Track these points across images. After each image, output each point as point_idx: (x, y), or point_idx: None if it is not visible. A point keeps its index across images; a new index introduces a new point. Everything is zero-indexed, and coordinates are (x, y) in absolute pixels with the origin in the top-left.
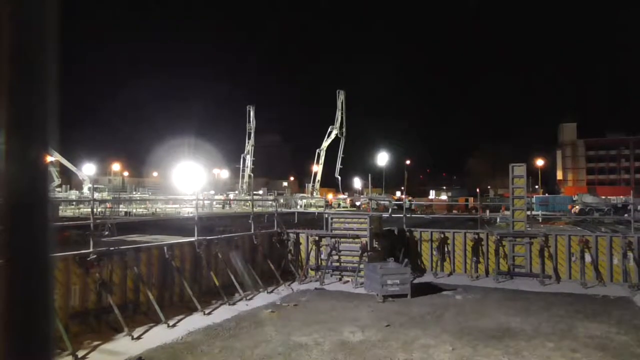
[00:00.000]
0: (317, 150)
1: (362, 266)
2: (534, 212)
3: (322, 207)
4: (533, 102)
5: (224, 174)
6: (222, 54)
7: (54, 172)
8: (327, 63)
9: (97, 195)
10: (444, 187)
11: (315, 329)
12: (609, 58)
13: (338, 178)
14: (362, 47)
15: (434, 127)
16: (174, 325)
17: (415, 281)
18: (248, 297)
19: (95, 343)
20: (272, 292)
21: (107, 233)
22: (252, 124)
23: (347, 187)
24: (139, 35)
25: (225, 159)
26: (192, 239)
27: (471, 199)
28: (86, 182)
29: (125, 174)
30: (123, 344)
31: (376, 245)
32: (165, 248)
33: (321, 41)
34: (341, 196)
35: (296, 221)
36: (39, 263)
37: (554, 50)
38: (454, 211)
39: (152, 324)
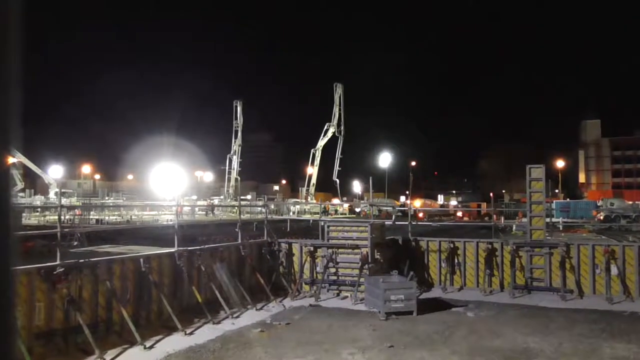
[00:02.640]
0: (312, 150)
1: (362, 280)
2: (553, 219)
3: (317, 213)
4: (553, 97)
5: (208, 176)
6: (206, 43)
7: (16, 175)
8: (324, 54)
9: (65, 201)
10: (454, 192)
11: (309, 351)
12: (637, 48)
13: (336, 181)
14: (362, 37)
15: (442, 125)
16: (151, 347)
17: (422, 296)
18: (234, 315)
19: None
20: (261, 309)
21: (76, 243)
22: (239, 120)
23: (345, 191)
24: (112, 23)
25: (209, 160)
26: (172, 249)
27: (484, 205)
28: (53, 186)
29: (97, 177)
30: None
31: (378, 257)
32: (141, 260)
33: (318, 30)
34: (336, 201)
35: (289, 229)
36: None
37: (576, 40)
38: (465, 218)
39: (126, 346)
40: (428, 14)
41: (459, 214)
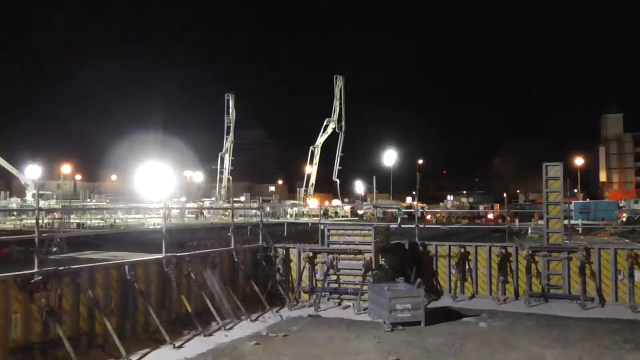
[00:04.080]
0: (311, 148)
1: (365, 288)
2: (572, 221)
3: (316, 216)
4: (571, 91)
5: (198, 176)
6: (195, 32)
7: None
8: (324, 44)
9: (43, 204)
10: (464, 192)
11: None
12: None
13: (336, 181)
14: (365, 26)
15: (452, 120)
16: None
17: (430, 305)
18: (227, 327)
19: None
20: (256, 320)
21: (55, 249)
22: (231, 116)
23: (347, 192)
24: (94, 12)
25: (199, 158)
26: (159, 256)
27: (497, 206)
28: (30, 188)
29: (78, 177)
30: None
31: (382, 263)
32: (126, 267)
33: (317, 17)
34: (336, 202)
35: (285, 234)
36: None
37: (596, 29)
38: (477, 220)
39: None
40: (439, 2)
41: (490, 215)
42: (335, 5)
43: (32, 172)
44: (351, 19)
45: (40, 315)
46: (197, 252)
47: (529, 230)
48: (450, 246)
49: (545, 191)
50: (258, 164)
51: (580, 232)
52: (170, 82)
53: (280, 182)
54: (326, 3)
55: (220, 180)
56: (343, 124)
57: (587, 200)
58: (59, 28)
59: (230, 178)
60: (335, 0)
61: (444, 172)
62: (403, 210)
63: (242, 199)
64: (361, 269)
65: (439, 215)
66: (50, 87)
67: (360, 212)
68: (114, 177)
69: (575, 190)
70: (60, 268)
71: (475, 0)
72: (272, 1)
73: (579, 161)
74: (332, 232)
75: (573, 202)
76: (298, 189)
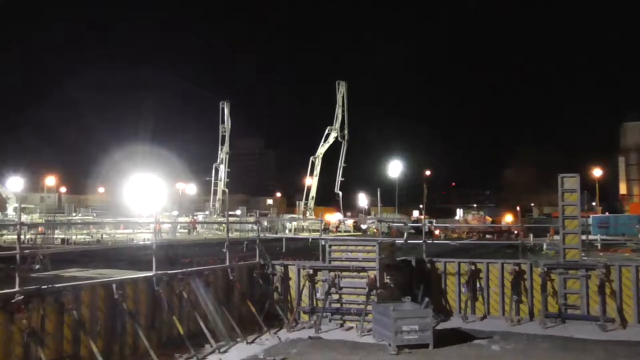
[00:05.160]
0: (311, 159)
1: (369, 308)
2: (590, 237)
3: (317, 231)
4: (589, 97)
5: (191, 189)
6: (187, 36)
7: None
8: (325, 48)
9: (25, 218)
10: (475, 205)
11: None
12: None
13: (338, 194)
14: (369, 30)
15: (461, 129)
16: None
17: (439, 327)
18: (222, 349)
19: None
20: (253, 342)
21: (38, 267)
22: (226, 124)
23: (350, 206)
24: (80, 13)
25: (192, 170)
26: (150, 273)
27: (512, 218)
28: (11, 201)
29: (63, 190)
30: None
31: (388, 281)
32: (113, 286)
33: (317, 20)
34: (336, 215)
35: (284, 250)
36: None
37: (616, 30)
38: (488, 236)
39: None
40: (447, 6)
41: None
42: (338, 7)
43: (14, 184)
44: (354, 22)
45: (21, 337)
46: (189, 269)
47: (544, 246)
48: (459, 263)
49: (561, 204)
50: (255, 176)
51: (599, 248)
52: (162, 90)
53: (278, 195)
54: (328, 3)
55: (215, 192)
56: (346, 132)
57: (606, 214)
58: (44, 34)
59: (226, 190)
60: (338, 2)
61: (453, 184)
62: (410, 224)
63: (238, 212)
64: (365, 288)
65: (459, 231)
66: (34, 95)
67: (363, 226)
68: (101, 189)
69: (594, 204)
70: (43, 287)
71: (487, 9)
72: (271, 4)
73: (597, 172)
74: (333, 248)
75: (591, 215)
76: (297, 202)
